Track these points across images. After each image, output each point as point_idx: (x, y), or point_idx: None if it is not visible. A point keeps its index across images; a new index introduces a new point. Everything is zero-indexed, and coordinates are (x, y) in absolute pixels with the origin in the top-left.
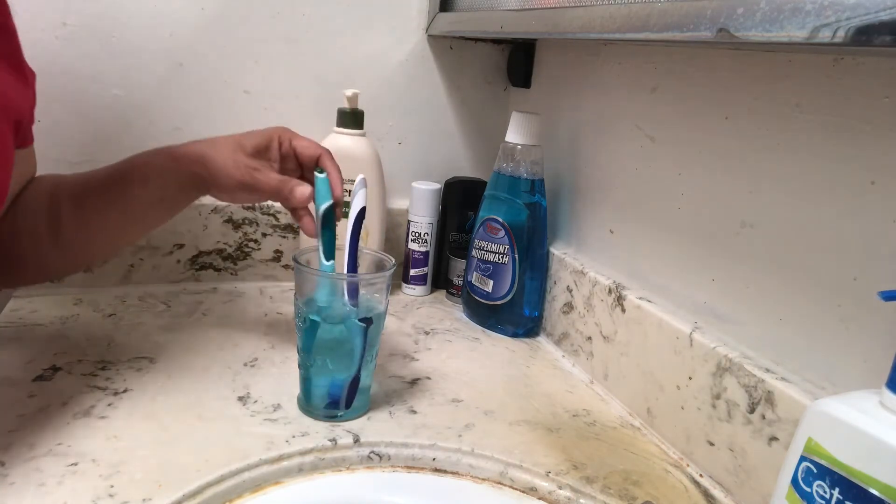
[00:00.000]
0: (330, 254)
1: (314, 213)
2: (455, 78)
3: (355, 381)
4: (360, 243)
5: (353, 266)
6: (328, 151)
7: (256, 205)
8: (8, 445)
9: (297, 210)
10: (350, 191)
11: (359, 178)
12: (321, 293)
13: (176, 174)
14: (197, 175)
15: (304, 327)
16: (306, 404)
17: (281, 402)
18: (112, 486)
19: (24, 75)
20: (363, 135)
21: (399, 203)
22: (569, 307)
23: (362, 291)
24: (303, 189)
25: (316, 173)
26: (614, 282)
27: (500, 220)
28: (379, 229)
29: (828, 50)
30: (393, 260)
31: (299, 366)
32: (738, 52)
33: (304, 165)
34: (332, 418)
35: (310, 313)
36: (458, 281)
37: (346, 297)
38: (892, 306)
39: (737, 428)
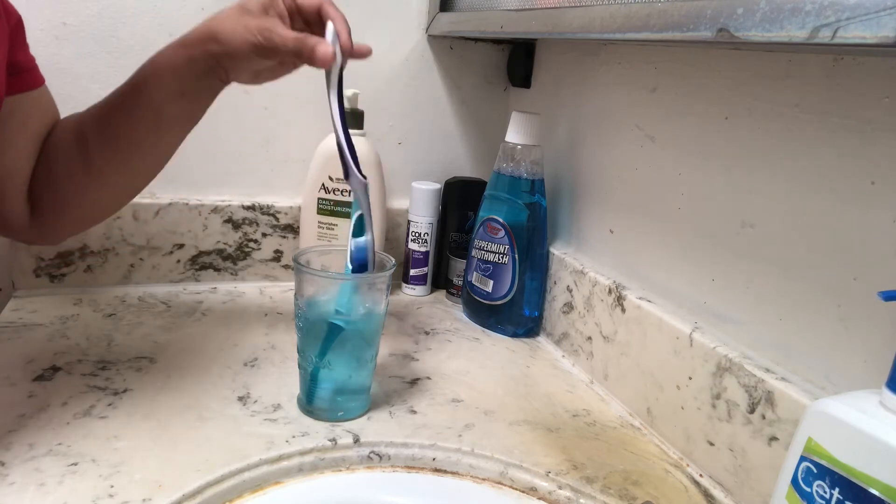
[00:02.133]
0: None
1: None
2: (455, 78)
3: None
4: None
5: (343, 118)
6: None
7: (256, 204)
8: (8, 445)
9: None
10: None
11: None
12: (343, 296)
13: (188, 60)
14: (209, 53)
15: (304, 327)
16: (306, 404)
17: (281, 402)
18: (112, 486)
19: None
20: (363, 135)
21: (399, 203)
22: (569, 307)
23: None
24: (324, 48)
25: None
26: (614, 282)
27: (500, 220)
28: (379, 229)
29: (828, 50)
30: (393, 260)
31: (299, 366)
32: (738, 52)
33: (309, 21)
34: (331, 418)
35: (309, 311)
36: (458, 281)
37: (351, 164)
38: (892, 306)
39: (737, 428)
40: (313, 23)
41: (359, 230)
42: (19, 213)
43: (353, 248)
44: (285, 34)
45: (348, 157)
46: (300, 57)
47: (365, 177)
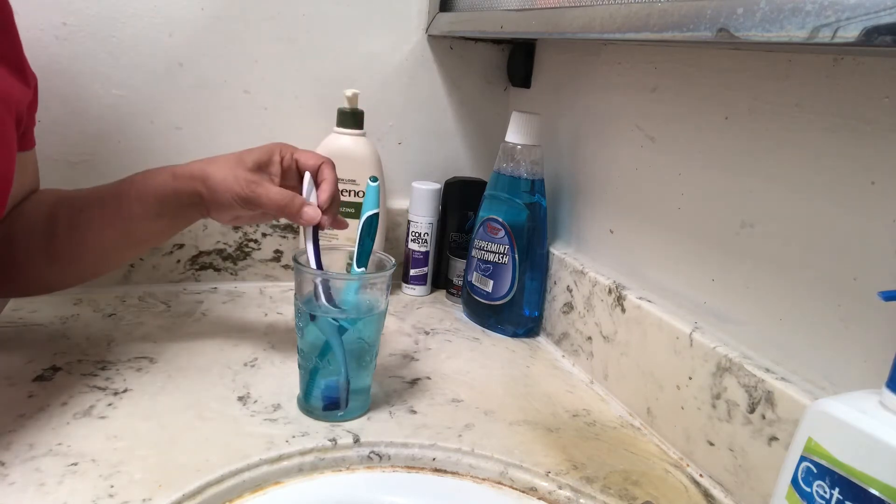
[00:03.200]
0: (363, 261)
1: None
2: (455, 78)
3: (346, 382)
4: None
5: (318, 262)
6: (329, 161)
7: None
8: (8, 445)
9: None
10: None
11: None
12: (348, 294)
13: (174, 192)
14: (196, 192)
15: (304, 327)
16: (306, 404)
17: (281, 402)
18: (112, 486)
19: (26, 77)
20: (363, 135)
21: (399, 203)
22: (569, 307)
23: (361, 291)
24: (312, 211)
25: (368, 181)
26: (614, 282)
27: (500, 220)
28: (379, 229)
29: (828, 50)
30: (393, 260)
31: (299, 366)
32: (738, 52)
33: (303, 174)
34: (331, 418)
35: (309, 311)
36: (458, 281)
37: (322, 296)
38: (892, 306)
39: (737, 428)
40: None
41: (333, 367)
42: None
43: (324, 385)
44: (271, 192)
45: (321, 293)
46: (283, 213)
47: (335, 320)
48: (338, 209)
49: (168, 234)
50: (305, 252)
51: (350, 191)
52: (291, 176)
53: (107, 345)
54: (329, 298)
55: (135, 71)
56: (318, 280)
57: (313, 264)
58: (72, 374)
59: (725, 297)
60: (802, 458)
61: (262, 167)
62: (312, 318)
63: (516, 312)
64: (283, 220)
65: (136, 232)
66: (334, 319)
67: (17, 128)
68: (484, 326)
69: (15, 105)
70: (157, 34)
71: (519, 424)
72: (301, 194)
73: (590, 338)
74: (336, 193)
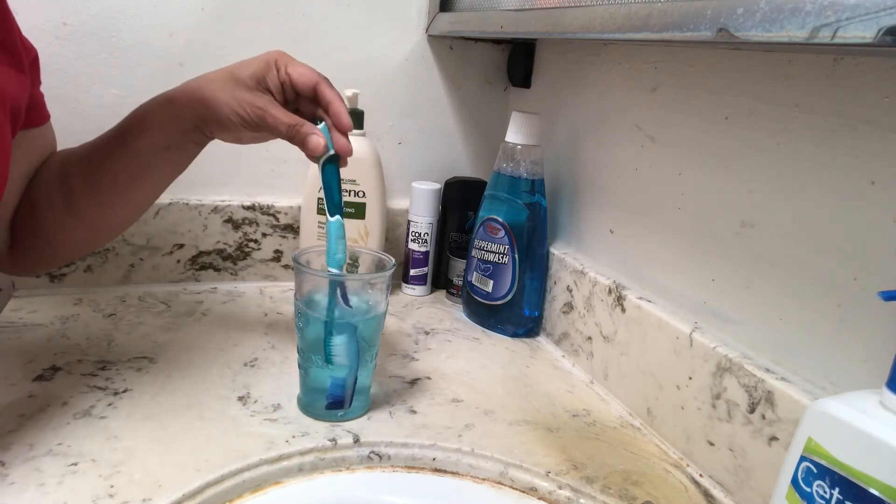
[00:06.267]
0: (334, 209)
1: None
2: (455, 78)
3: (353, 381)
4: (360, 242)
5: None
6: (325, 79)
7: (256, 204)
8: (8, 445)
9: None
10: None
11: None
12: (321, 292)
13: (176, 118)
14: (198, 115)
15: (304, 327)
16: (306, 404)
17: (281, 402)
18: (112, 486)
19: (19, 59)
20: (363, 135)
21: (399, 203)
22: (569, 307)
23: (361, 292)
24: (317, 139)
25: (318, 125)
26: (614, 282)
27: (500, 220)
28: (379, 229)
29: (828, 50)
30: (393, 260)
31: (299, 366)
32: (738, 52)
33: (301, 95)
34: (332, 418)
35: (309, 311)
36: (458, 281)
37: (340, 298)
38: (892, 306)
39: (737, 428)
40: (305, 97)
41: (341, 366)
42: (1, 242)
43: (330, 381)
44: (278, 117)
45: (339, 297)
46: (291, 141)
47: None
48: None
49: (181, 164)
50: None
51: (350, 191)
52: (287, 91)
53: (107, 345)
54: (346, 300)
55: (135, 71)
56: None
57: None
58: (72, 374)
59: (725, 297)
60: (802, 458)
61: (259, 81)
62: (328, 323)
63: (516, 312)
64: (282, 221)
65: (147, 168)
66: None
67: (15, 120)
68: (484, 326)
69: (10, 100)
70: (157, 34)
71: (519, 424)
72: (308, 124)
73: (590, 338)
74: (346, 108)
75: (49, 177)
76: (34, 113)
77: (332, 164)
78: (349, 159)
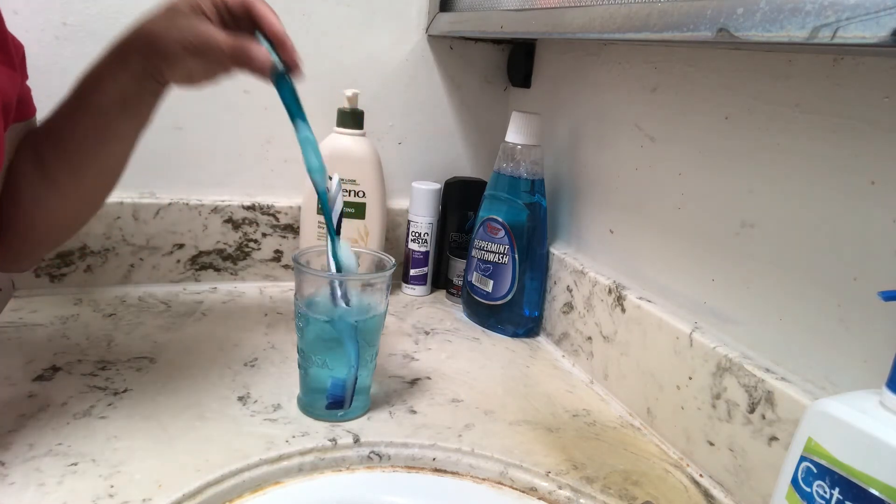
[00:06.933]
0: (298, 119)
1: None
2: (455, 78)
3: (353, 381)
4: (360, 242)
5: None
6: None
7: (256, 204)
8: (8, 445)
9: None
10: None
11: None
12: (323, 290)
13: (122, 63)
14: (142, 54)
15: (304, 327)
16: (306, 404)
17: (281, 402)
18: (112, 486)
19: (10, 55)
20: (363, 135)
21: (399, 203)
22: (569, 307)
23: (361, 292)
24: (263, 52)
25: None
26: (614, 282)
27: (500, 220)
28: (379, 229)
29: (828, 50)
30: (393, 260)
31: (299, 366)
32: (738, 52)
33: (236, 16)
34: (332, 418)
35: (309, 311)
36: (458, 281)
37: (339, 297)
38: (892, 306)
39: (737, 428)
40: (241, 16)
41: (341, 365)
42: None
43: (330, 381)
44: (219, 38)
45: (339, 295)
46: (237, 63)
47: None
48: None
49: (141, 116)
50: (326, 253)
51: (350, 191)
52: (223, 13)
53: (107, 345)
54: (346, 299)
55: None
56: (337, 282)
57: (333, 268)
58: (72, 374)
59: (725, 297)
60: (802, 458)
61: (195, 8)
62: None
63: (516, 312)
64: (282, 221)
65: (109, 126)
66: (352, 321)
67: (6, 116)
68: (484, 326)
69: (2, 95)
70: None
71: (519, 424)
72: (249, 39)
73: (590, 338)
74: (280, 27)
75: (23, 153)
76: (22, 107)
77: (283, 80)
78: (348, 159)
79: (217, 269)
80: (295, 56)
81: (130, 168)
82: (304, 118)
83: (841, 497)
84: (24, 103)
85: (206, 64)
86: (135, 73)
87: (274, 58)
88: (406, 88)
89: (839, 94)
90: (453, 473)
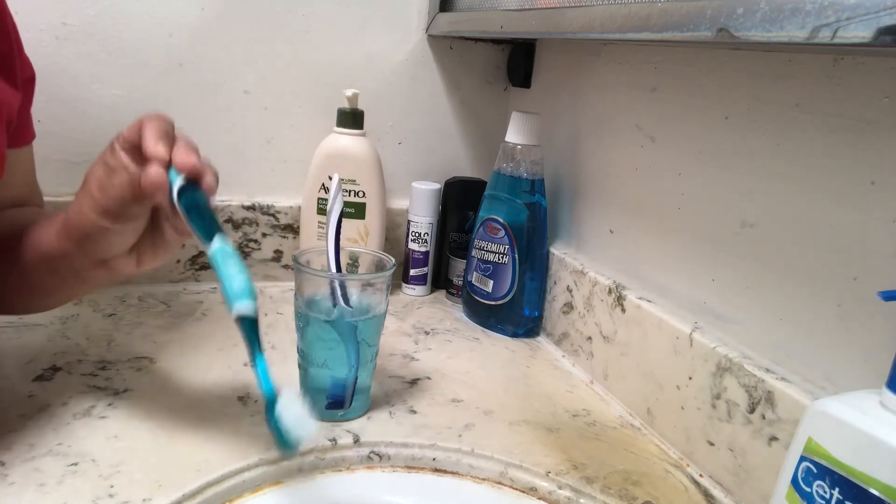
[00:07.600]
0: (208, 233)
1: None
2: (455, 78)
3: (353, 381)
4: (360, 242)
5: (338, 265)
6: (147, 118)
7: (256, 204)
8: (8, 445)
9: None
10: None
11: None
12: (320, 292)
13: (70, 267)
14: (75, 241)
15: (304, 327)
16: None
17: None
18: (112, 486)
19: (14, 75)
20: (363, 135)
21: (399, 203)
22: (569, 307)
23: (361, 292)
24: (152, 172)
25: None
26: (614, 282)
27: (500, 220)
28: (379, 229)
29: (828, 50)
30: (393, 260)
31: (299, 366)
32: (738, 52)
33: (139, 148)
34: (332, 418)
35: (309, 311)
36: (458, 281)
37: (339, 297)
38: (892, 306)
39: (737, 428)
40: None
41: (341, 365)
42: None
43: (330, 381)
44: (114, 182)
45: (339, 296)
46: (139, 198)
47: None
48: (198, 155)
49: (118, 275)
50: (326, 253)
51: (350, 191)
52: (133, 156)
53: (107, 345)
54: (346, 300)
55: (135, 71)
56: (337, 282)
57: (333, 268)
58: (72, 374)
59: (725, 297)
60: (802, 458)
61: (105, 170)
62: (328, 320)
63: (516, 312)
64: (282, 221)
65: (86, 282)
66: (351, 320)
67: (8, 132)
68: (484, 326)
69: (6, 111)
70: (157, 34)
71: (519, 424)
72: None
73: (590, 338)
74: (182, 141)
75: (7, 228)
76: (21, 131)
77: (187, 193)
78: (348, 159)
79: None
80: (192, 161)
81: None
82: (219, 229)
83: (841, 497)
84: (24, 128)
85: (123, 220)
86: (80, 269)
87: (172, 176)
88: (406, 88)
89: (839, 94)
90: (453, 473)
